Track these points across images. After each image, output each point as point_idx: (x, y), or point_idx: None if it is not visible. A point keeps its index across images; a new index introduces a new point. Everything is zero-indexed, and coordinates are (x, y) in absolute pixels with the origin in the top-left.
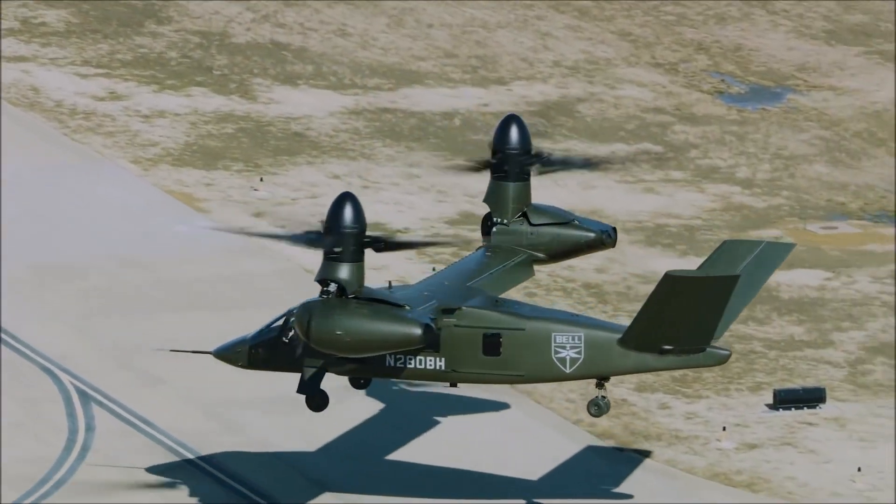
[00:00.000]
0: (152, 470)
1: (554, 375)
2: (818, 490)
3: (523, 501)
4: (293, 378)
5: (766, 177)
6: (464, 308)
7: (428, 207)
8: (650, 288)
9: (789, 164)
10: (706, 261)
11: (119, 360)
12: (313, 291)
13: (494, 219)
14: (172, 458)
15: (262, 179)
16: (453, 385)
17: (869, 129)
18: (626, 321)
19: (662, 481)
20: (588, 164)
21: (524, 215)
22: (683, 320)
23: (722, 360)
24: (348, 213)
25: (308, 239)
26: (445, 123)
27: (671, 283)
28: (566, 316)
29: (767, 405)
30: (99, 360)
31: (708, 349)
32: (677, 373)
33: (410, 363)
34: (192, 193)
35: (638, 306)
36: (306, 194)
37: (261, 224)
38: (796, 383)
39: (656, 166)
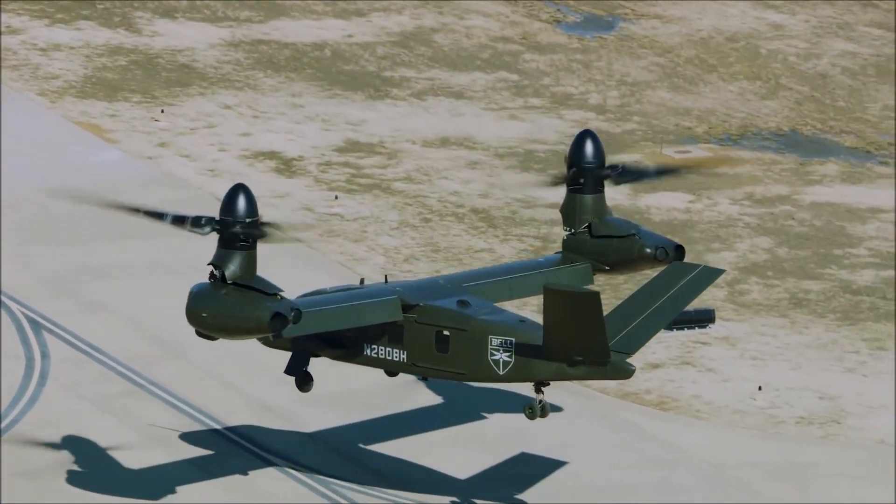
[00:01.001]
0: (105, 395)
1: (489, 376)
2: (723, 408)
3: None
4: None
5: (615, 103)
6: (422, 304)
7: (315, 136)
8: (533, 213)
9: (634, 91)
10: (648, 282)
11: (61, 288)
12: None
13: (564, 228)
14: (127, 385)
15: (162, 111)
16: (423, 378)
17: (699, 56)
18: (515, 245)
19: (581, 401)
20: (662, 172)
21: (589, 227)
22: (572, 332)
23: (626, 375)
24: (235, 203)
25: (194, 222)
26: (317, 54)
27: (547, 295)
28: (513, 321)
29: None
30: (42, 289)
31: (614, 362)
32: None
33: (382, 354)
34: (100, 125)
35: (524, 230)
36: (203, 124)
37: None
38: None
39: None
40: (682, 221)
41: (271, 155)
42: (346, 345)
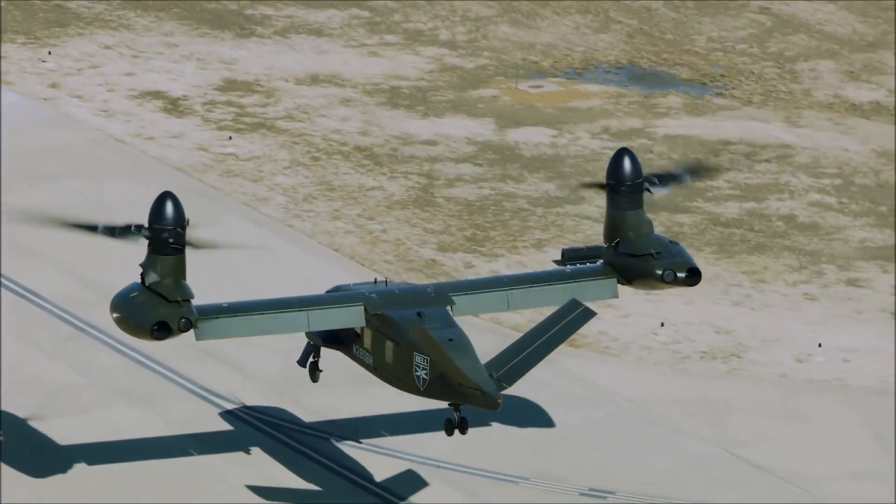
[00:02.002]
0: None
1: (414, 390)
2: (630, 344)
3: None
4: None
5: (464, 38)
6: (381, 313)
7: (194, 75)
8: (412, 150)
9: (479, 26)
10: (550, 315)
11: None
12: (124, 160)
13: (605, 241)
14: (70, 329)
15: (49, 52)
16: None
17: None
18: (403, 183)
19: (501, 342)
20: (692, 174)
21: (617, 243)
22: (436, 364)
23: (492, 405)
24: (162, 210)
25: (106, 230)
26: None
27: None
28: (441, 339)
29: (555, 262)
30: None
31: (485, 391)
32: (468, 232)
33: (361, 355)
34: None
35: (407, 168)
36: (88, 65)
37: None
38: (568, 239)
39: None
40: (549, 156)
41: (157, 94)
42: (343, 342)
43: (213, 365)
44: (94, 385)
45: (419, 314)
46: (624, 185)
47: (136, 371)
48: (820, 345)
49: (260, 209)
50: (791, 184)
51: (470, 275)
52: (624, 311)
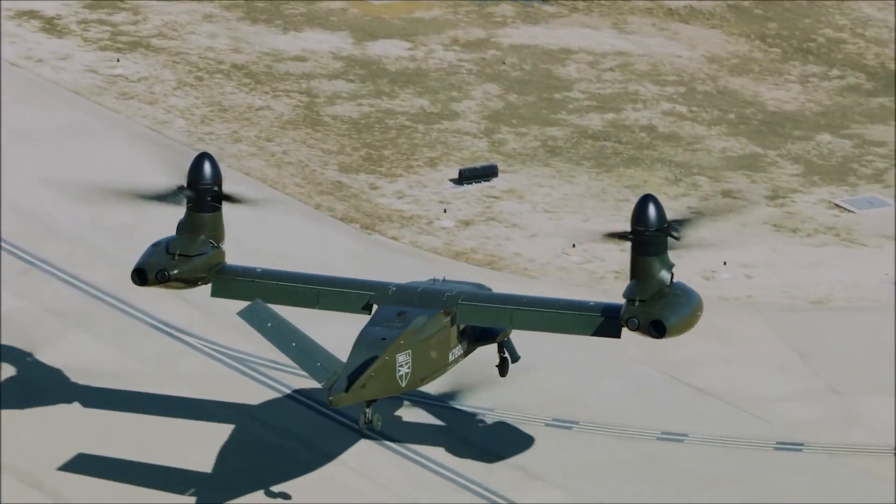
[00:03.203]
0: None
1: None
2: (546, 265)
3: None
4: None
5: None
6: (375, 305)
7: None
8: (285, 66)
9: None
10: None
11: None
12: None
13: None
14: (19, 264)
15: None
16: None
17: None
18: (287, 101)
19: (419, 263)
20: (712, 214)
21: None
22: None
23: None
24: (199, 170)
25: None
26: None
27: None
28: (378, 336)
29: (452, 180)
30: None
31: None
32: (362, 151)
33: None
34: None
35: (286, 86)
36: None
37: None
38: (456, 157)
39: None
40: (413, 69)
41: (32, 14)
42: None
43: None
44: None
45: (400, 313)
46: (648, 232)
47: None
48: (725, 263)
49: (164, 133)
50: (640, 93)
51: (375, 196)
52: (528, 229)
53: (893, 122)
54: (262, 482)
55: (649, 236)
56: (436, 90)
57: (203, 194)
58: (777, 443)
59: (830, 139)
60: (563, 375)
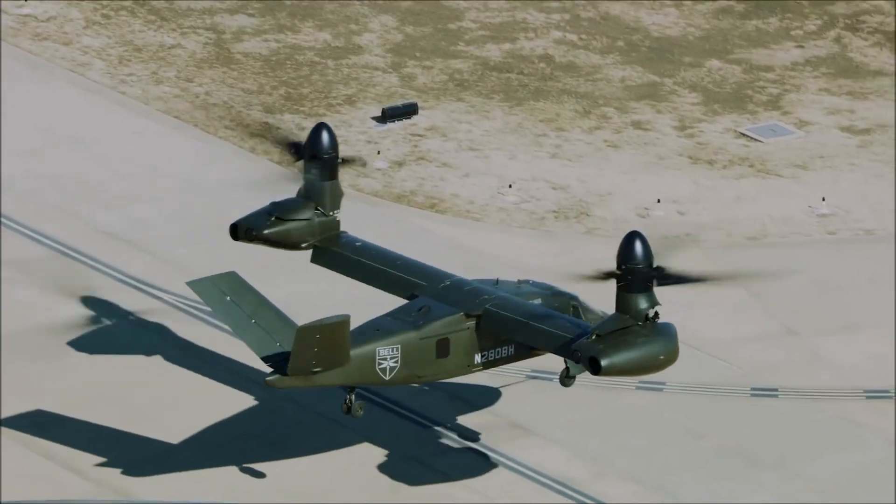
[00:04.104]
0: None
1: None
2: (486, 206)
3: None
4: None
5: None
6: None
7: None
8: (189, 3)
9: None
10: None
11: None
12: None
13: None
14: None
15: None
16: None
17: None
18: (195, 39)
19: (364, 208)
20: (702, 279)
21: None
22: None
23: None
24: (318, 139)
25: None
26: None
27: None
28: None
29: (374, 119)
30: None
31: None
32: (281, 90)
33: None
34: None
35: (191, 22)
36: None
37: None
38: (370, 93)
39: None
40: (308, 3)
41: None
42: None
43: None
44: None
45: (422, 308)
46: (645, 269)
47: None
48: (659, 200)
49: (87, 76)
50: (528, 20)
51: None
52: (460, 169)
53: (775, 47)
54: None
55: (628, 273)
56: (334, 23)
57: (317, 163)
58: (752, 389)
59: (720, 65)
60: None
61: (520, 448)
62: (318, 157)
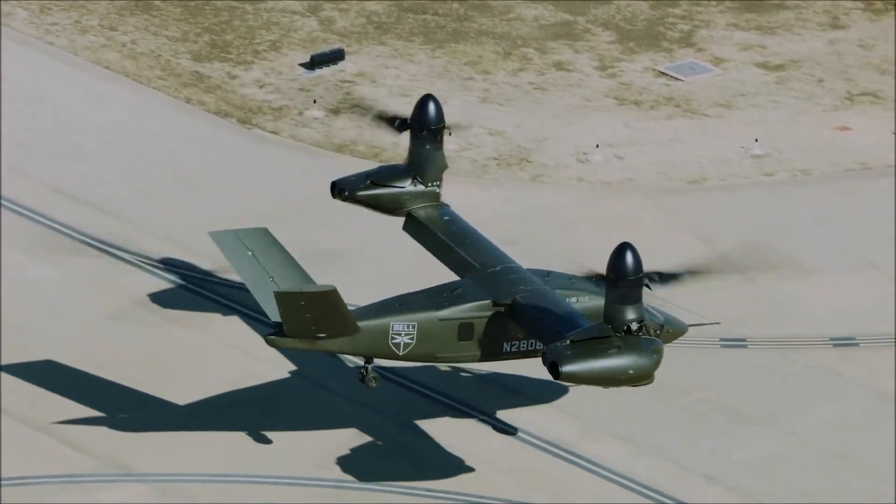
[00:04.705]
0: None
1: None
2: (447, 156)
3: None
4: None
5: None
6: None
7: None
8: None
9: None
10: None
11: None
12: None
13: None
14: None
15: None
16: None
17: None
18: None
19: (308, 160)
20: (692, 274)
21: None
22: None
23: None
24: (424, 111)
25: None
26: None
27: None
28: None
29: (302, 65)
30: None
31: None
32: (205, 37)
33: None
34: None
35: None
36: None
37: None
38: (293, 38)
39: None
40: None
41: None
42: None
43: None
44: None
45: (455, 289)
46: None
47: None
48: (598, 146)
49: (12, 26)
50: None
51: (237, 86)
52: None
53: None
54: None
55: (617, 284)
56: None
57: (422, 135)
58: (721, 340)
59: (627, 2)
60: None
61: (508, 411)
62: (423, 128)
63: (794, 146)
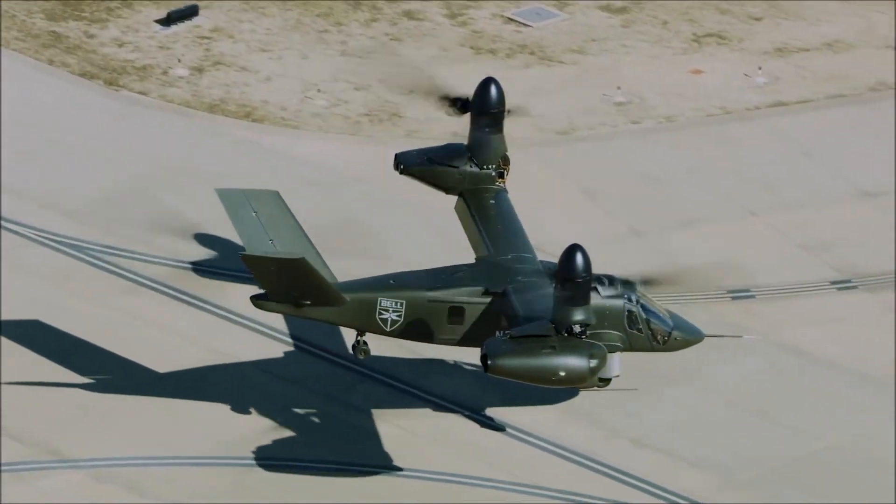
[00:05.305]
0: None
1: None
2: (299, 112)
3: None
4: None
5: None
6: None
7: None
8: None
9: None
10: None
11: None
12: None
13: None
14: None
15: None
16: None
17: None
18: None
19: (181, 121)
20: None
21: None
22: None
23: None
24: (486, 93)
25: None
26: None
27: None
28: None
29: (158, 21)
30: None
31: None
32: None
33: None
34: None
35: None
36: None
37: None
38: None
39: None
40: None
41: None
42: None
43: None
44: None
45: (455, 272)
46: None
47: None
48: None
49: None
50: None
51: (96, 45)
52: (259, 72)
53: None
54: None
55: (564, 285)
56: None
57: (483, 117)
58: None
59: None
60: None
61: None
62: (484, 111)
63: (653, 92)
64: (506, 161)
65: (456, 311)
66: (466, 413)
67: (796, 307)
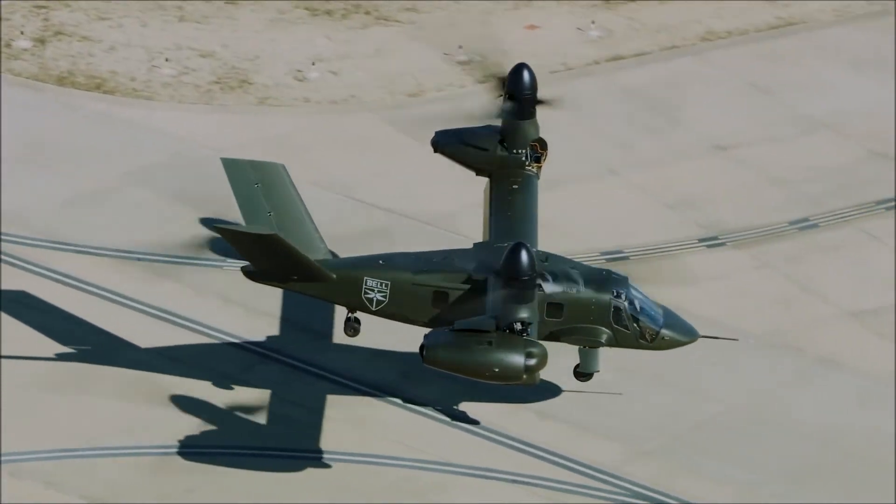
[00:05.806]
0: None
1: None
2: (149, 83)
3: None
4: None
5: None
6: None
7: None
8: None
9: None
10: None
11: None
12: None
13: None
14: None
15: None
16: None
17: None
18: None
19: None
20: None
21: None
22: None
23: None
24: (519, 78)
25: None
26: None
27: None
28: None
29: None
30: None
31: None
32: None
33: None
34: None
35: None
36: None
37: None
38: None
39: None
40: None
41: None
42: None
43: None
44: None
45: (446, 257)
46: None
47: None
48: (314, 63)
49: None
50: None
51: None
52: (104, 42)
53: None
54: None
55: (508, 283)
56: None
57: (514, 102)
58: None
59: None
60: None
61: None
62: (515, 96)
63: (493, 49)
64: (543, 146)
65: (440, 296)
66: (363, 389)
67: (669, 267)
